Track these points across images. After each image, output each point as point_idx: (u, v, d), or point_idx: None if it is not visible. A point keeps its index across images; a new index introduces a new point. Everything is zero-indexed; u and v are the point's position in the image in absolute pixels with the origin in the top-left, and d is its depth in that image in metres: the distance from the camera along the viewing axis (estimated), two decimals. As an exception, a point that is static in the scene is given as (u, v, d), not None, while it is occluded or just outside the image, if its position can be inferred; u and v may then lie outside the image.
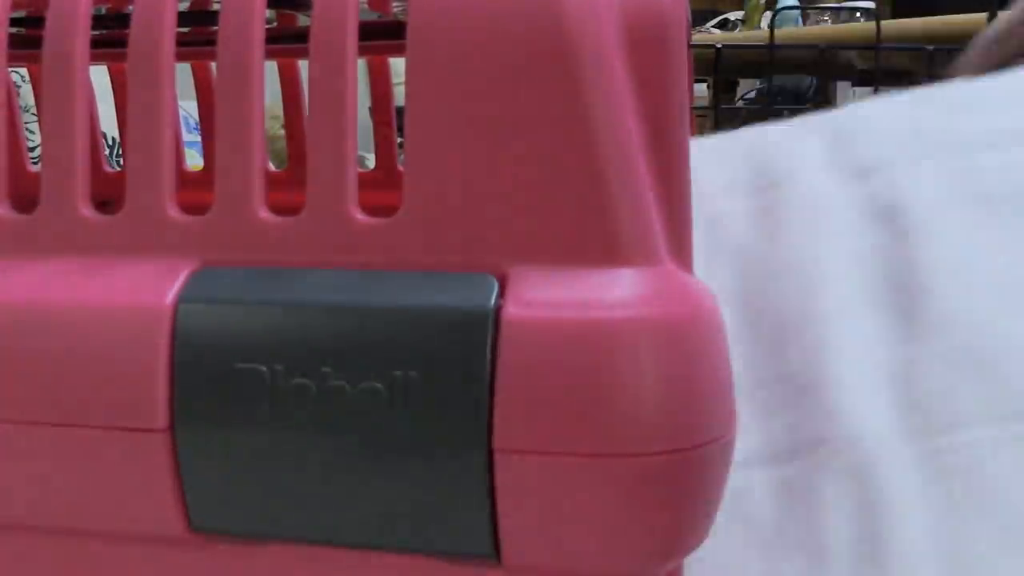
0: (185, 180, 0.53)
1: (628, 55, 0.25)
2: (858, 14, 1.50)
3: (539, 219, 0.23)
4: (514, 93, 0.24)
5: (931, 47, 0.60)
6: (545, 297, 0.22)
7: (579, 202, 0.23)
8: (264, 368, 0.23)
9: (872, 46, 0.64)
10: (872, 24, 1.20)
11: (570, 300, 0.22)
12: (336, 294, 0.23)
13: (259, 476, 0.23)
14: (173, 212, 0.26)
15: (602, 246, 0.23)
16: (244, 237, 0.25)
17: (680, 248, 0.26)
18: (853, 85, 1.52)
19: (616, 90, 0.24)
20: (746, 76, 1.57)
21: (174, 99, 0.26)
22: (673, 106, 0.27)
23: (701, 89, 1.39)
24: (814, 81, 1.48)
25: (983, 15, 1.03)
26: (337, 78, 0.24)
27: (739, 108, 1.59)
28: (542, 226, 0.23)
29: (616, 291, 0.23)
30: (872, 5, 1.58)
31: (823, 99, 1.43)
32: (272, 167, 0.54)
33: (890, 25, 1.43)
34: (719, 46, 0.61)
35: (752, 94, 1.60)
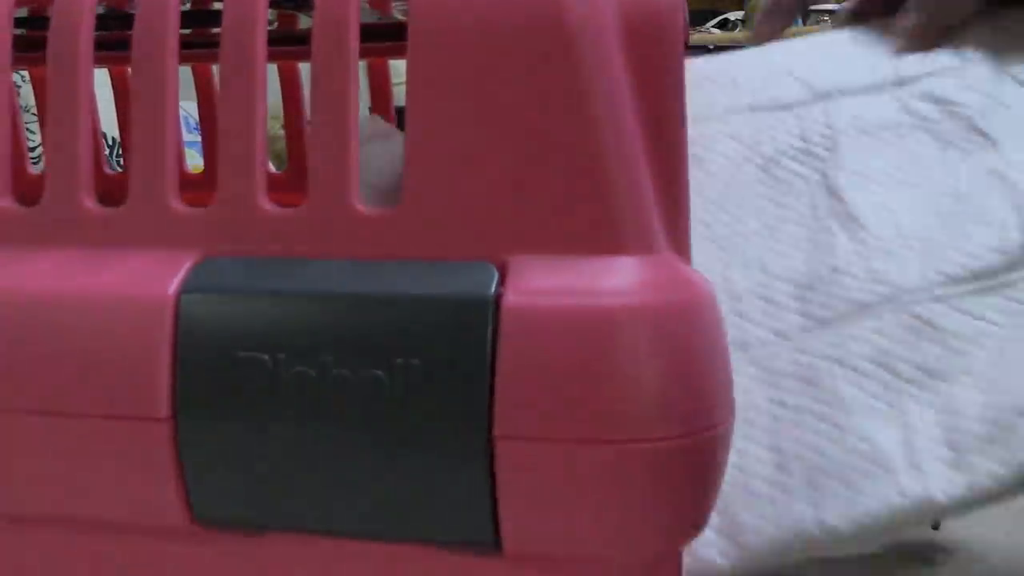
0: (185, 182, 0.53)
1: (627, 52, 0.26)
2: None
3: (539, 209, 0.24)
4: (513, 90, 0.24)
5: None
6: (545, 285, 0.23)
7: (578, 192, 0.24)
8: (266, 357, 0.23)
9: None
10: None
11: (569, 288, 0.23)
12: (337, 283, 0.23)
13: (261, 465, 0.23)
14: (176, 204, 0.26)
15: (601, 235, 0.24)
16: (246, 228, 0.25)
17: (678, 237, 0.26)
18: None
19: (615, 84, 0.25)
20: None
21: (176, 95, 0.27)
22: (671, 100, 0.27)
23: (700, 89, 1.39)
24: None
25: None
26: (340, 75, 0.24)
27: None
28: (542, 216, 0.23)
29: (615, 279, 0.23)
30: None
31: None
32: (272, 168, 0.54)
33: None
34: (711, 47, 0.61)
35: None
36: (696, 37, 1.43)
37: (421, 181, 0.24)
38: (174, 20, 0.26)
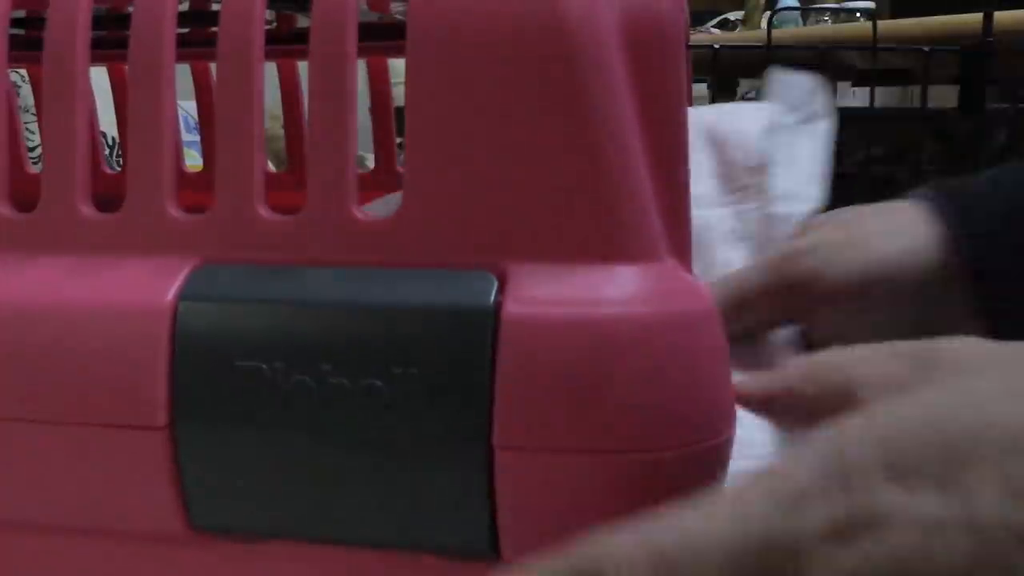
0: (184, 181, 0.53)
1: (628, 56, 0.25)
2: (857, 14, 1.50)
3: (539, 217, 0.23)
4: (514, 93, 0.24)
5: (928, 48, 0.60)
6: (544, 294, 0.22)
7: (578, 200, 0.23)
8: (264, 366, 0.23)
9: (869, 47, 0.63)
10: (867, 25, 1.20)
11: (569, 297, 0.22)
12: (336, 292, 0.23)
13: (259, 474, 0.23)
14: (173, 210, 0.26)
15: (601, 243, 0.23)
16: (244, 235, 0.25)
17: (678, 245, 0.26)
18: (853, 85, 1.53)
19: (616, 90, 0.25)
20: (747, 76, 1.56)
21: (174, 99, 0.26)
22: (672, 106, 0.27)
23: (701, 89, 1.38)
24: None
25: (979, 15, 1.03)
26: (337, 78, 0.24)
27: (739, 108, 1.58)
28: (541, 224, 0.23)
29: (614, 288, 0.23)
30: (872, 5, 1.58)
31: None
32: (271, 167, 0.54)
33: (888, 25, 1.43)
34: (717, 47, 0.60)
35: (752, 94, 1.60)
36: (697, 37, 1.42)
37: (420, 188, 0.24)
38: (171, 24, 0.26)
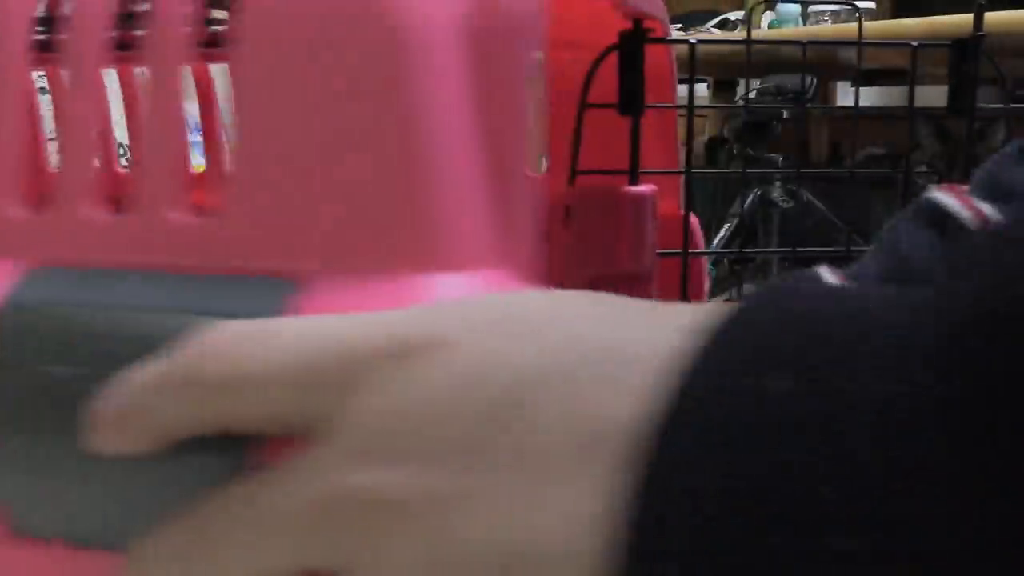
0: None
1: (468, 57, 0.25)
2: (858, 14, 1.48)
3: (351, 226, 0.23)
4: (328, 90, 0.23)
5: (916, 43, 0.59)
6: (341, 304, 0.22)
7: (392, 206, 0.23)
8: (67, 371, 0.22)
9: (854, 42, 0.63)
10: (867, 24, 1.19)
11: (367, 308, 0.22)
12: (132, 296, 0.23)
13: (72, 480, 0.23)
14: (13, 212, 0.26)
15: (416, 252, 0.23)
16: (71, 238, 0.25)
17: (514, 252, 0.26)
18: (853, 85, 1.52)
19: (446, 94, 0.24)
20: (748, 76, 1.55)
21: (25, 99, 0.27)
22: (513, 108, 0.27)
23: (700, 89, 1.37)
24: (814, 81, 1.48)
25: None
26: (162, 83, 0.24)
27: (739, 106, 1.58)
28: (352, 232, 0.23)
29: (425, 298, 0.23)
30: (872, 5, 1.57)
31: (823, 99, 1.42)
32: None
33: (890, 25, 1.42)
34: (694, 41, 0.59)
35: (753, 94, 1.59)
36: (697, 37, 1.41)
37: (235, 192, 0.24)
38: (23, 31, 0.26)
